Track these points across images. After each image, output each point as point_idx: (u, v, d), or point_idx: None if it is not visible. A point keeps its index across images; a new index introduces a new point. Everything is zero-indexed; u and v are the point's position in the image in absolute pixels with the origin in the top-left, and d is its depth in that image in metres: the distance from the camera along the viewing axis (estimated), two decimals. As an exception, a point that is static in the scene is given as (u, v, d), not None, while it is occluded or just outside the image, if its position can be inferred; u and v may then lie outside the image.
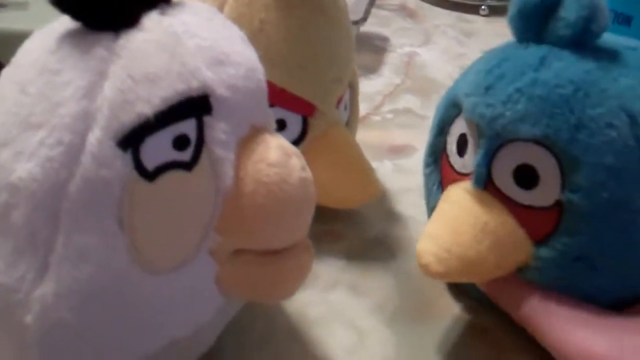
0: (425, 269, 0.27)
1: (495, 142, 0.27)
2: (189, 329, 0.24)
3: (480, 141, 0.27)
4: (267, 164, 0.23)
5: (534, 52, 0.27)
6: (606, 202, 0.25)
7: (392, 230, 0.38)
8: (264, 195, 0.23)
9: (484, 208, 0.27)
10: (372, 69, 0.58)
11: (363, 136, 0.40)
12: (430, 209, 0.31)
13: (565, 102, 0.25)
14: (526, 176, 0.26)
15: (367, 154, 0.36)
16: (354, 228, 0.38)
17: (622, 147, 0.25)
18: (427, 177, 0.32)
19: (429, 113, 0.42)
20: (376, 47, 0.64)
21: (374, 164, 0.37)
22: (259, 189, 0.22)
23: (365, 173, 0.35)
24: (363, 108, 0.43)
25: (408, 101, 0.54)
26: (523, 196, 0.27)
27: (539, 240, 0.27)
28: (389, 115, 0.52)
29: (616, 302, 0.27)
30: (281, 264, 0.24)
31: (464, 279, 0.27)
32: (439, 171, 0.31)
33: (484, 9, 0.74)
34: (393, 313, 0.32)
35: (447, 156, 0.30)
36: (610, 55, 0.27)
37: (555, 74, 0.26)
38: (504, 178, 0.27)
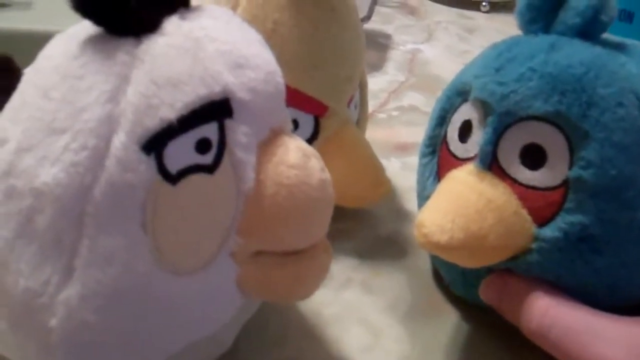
0: (425, 238, 0.26)
1: (504, 120, 0.27)
2: (210, 330, 0.24)
3: (488, 120, 0.27)
4: (287, 166, 0.23)
5: (543, 39, 0.28)
6: (613, 178, 0.26)
7: (402, 228, 0.38)
8: (285, 197, 0.23)
9: (487, 186, 0.27)
10: (376, 67, 0.59)
11: (369, 134, 0.40)
12: (424, 199, 0.31)
13: (577, 80, 0.26)
14: (533, 156, 0.27)
15: (374, 152, 0.36)
16: (365, 227, 0.38)
17: (630, 125, 0.26)
18: (424, 167, 0.32)
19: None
20: (380, 44, 0.64)
21: (381, 162, 0.37)
22: (279, 190, 0.23)
23: (376, 172, 0.36)
24: (369, 106, 0.43)
25: (413, 98, 0.54)
26: (528, 176, 0.27)
27: (541, 223, 0.27)
28: (395, 113, 0.52)
29: (609, 291, 0.27)
30: (301, 265, 0.24)
31: (463, 255, 0.26)
32: (436, 162, 0.31)
33: (485, 5, 0.74)
34: (406, 310, 0.32)
35: (446, 144, 0.30)
36: (616, 46, 0.28)
37: (566, 55, 0.27)
38: (510, 158, 0.27)
